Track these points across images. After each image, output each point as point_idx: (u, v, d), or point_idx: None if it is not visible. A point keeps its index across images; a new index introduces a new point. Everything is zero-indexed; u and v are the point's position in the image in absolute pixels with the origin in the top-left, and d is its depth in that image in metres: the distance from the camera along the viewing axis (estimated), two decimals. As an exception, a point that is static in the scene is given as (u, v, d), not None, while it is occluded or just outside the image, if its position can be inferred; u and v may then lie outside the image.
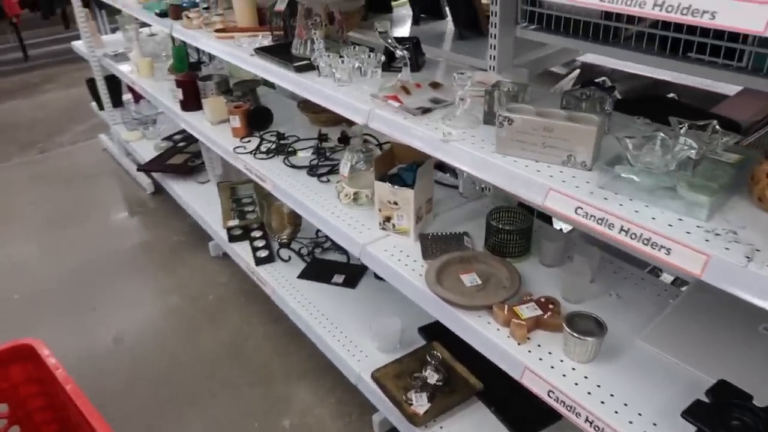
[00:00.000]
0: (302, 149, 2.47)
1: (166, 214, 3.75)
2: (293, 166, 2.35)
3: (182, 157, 3.62)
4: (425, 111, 1.57)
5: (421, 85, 1.74)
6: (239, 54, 2.27)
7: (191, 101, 2.99)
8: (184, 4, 3.07)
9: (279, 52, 2.17)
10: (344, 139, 2.43)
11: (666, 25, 1.48)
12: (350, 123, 2.68)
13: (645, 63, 1.57)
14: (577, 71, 2.34)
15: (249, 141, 2.63)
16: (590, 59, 2.30)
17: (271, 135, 2.67)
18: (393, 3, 2.74)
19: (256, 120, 2.65)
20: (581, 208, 1.15)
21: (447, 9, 2.51)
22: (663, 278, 2.27)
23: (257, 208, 3.04)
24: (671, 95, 2.07)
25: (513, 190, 1.29)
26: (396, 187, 1.77)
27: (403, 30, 2.55)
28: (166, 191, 3.64)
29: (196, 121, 2.91)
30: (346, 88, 1.83)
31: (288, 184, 2.23)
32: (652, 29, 1.51)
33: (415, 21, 2.50)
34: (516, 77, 1.57)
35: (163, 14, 2.94)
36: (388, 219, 1.84)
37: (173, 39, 3.68)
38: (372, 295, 2.44)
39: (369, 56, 1.91)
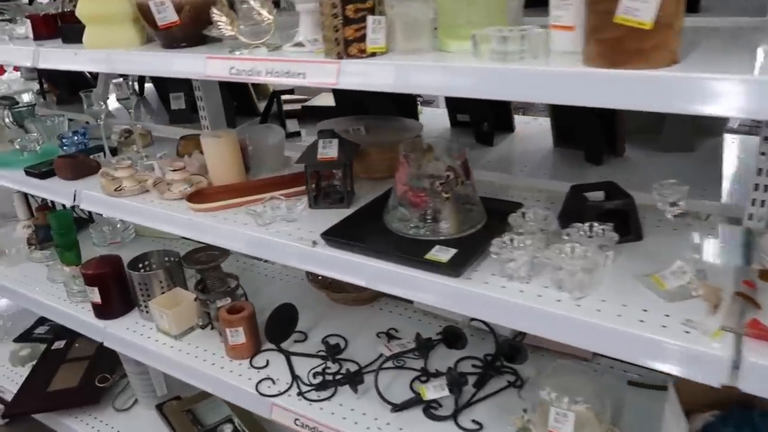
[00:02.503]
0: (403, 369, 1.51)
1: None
2: (397, 407, 1.40)
3: (75, 370, 2.31)
4: None
5: (754, 285, 1.00)
6: (281, 245, 1.29)
7: (118, 303, 1.84)
8: (65, 148, 1.95)
9: (368, 234, 1.26)
10: (454, 339, 1.54)
11: None
12: (396, 298, 1.80)
13: None
14: None
15: (266, 364, 1.60)
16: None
17: (295, 341, 1.67)
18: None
19: (277, 329, 1.64)
20: None
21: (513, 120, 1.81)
22: None
23: (252, 441, 1.95)
24: None
25: None
26: (735, 465, 0.99)
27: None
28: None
29: (134, 335, 1.77)
30: (590, 302, 1.01)
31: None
32: None
33: (484, 138, 1.75)
34: None
35: (45, 173, 1.77)
36: None
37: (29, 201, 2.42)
38: None
39: (589, 233, 1.11)
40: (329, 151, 1.39)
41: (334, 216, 1.38)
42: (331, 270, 1.24)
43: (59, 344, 2.49)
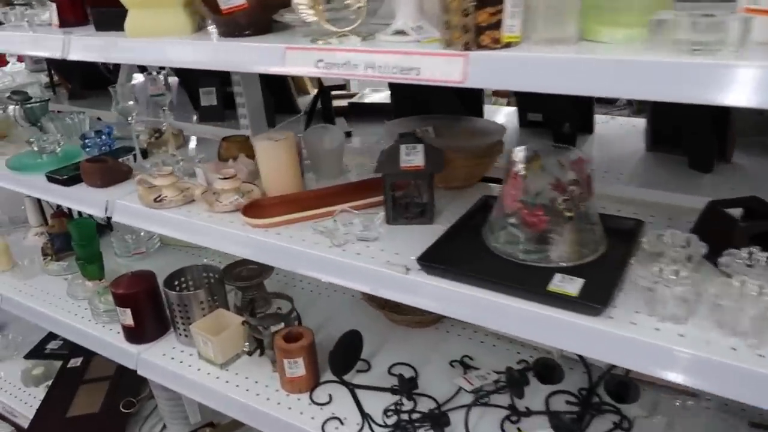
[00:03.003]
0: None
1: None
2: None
3: (95, 392, 2.11)
4: None
5: None
6: (364, 270, 1.10)
7: (152, 326, 1.64)
8: (87, 150, 1.74)
9: (469, 258, 1.06)
10: (548, 373, 1.35)
11: None
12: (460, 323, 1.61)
13: None
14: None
15: (329, 400, 1.40)
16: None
17: (357, 371, 1.48)
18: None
19: (342, 359, 1.44)
20: None
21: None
22: None
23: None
24: None
25: None
26: None
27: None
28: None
29: (172, 363, 1.57)
30: (773, 351, 0.82)
31: None
32: None
33: (565, 140, 1.55)
34: None
35: (70, 180, 1.56)
36: None
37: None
38: None
39: (748, 261, 0.92)
40: (414, 158, 1.19)
41: (416, 233, 1.19)
42: (429, 301, 1.05)
43: (75, 362, 2.29)
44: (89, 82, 2.45)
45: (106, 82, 2.47)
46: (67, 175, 1.57)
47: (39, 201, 2.22)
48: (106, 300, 1.76)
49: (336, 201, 1.33)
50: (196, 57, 1.07)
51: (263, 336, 1.46)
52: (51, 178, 1.58)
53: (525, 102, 1.69)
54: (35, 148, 1.69)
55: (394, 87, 1.76)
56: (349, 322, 1.67)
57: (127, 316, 1.60)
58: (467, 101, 1.68)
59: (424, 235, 1.18)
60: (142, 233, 2.10)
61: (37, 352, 2.43)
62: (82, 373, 2.22)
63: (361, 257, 1.13)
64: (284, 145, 1.36)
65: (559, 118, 1.60)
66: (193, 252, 2.10)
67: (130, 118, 1.59)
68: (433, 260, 1.06)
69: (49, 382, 2.22)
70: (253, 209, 1.32)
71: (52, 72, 2.59)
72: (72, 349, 2.34)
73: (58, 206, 2.21)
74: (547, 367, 1.34)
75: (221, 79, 2.00)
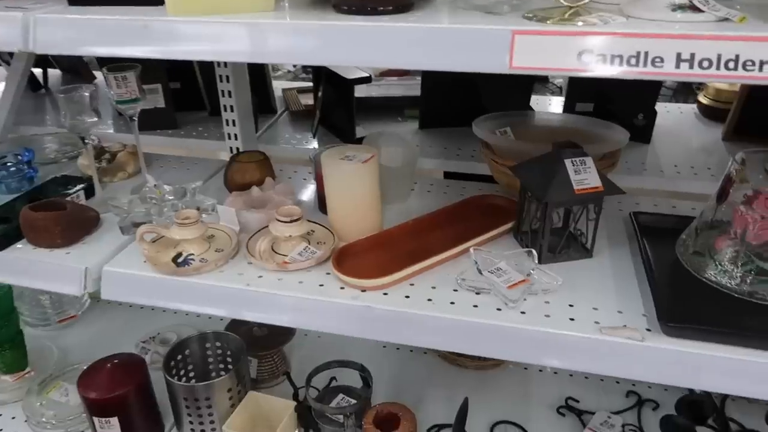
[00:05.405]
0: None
1: None
2: None
3: None
4: None
5: None
6: (576, 342, 0.79)
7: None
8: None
9: (715, 309, 0.81)
10: (697, 413, 1.14)
11: None
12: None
13: None
14: None
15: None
16: None
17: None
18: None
19: (460, 440, 1.10)
20: None
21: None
22: None
23: None
24: None
25: None
26: None
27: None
28: None
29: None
30: None
31: None
32: None
33: (638, 134, 1.35)
34: None
35: (2, 238, 0.99)
36: None
37: None
38: None
39: None
40: (587, 177, 0.90)
41: (582, 274, 0.92)
42: (676, 373, 0.78)
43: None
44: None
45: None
46: (-8, 234, 1.00)
47: None
48: (52, 402, 1.21)
49: (442, 238, 0.99)
50: (336, 49, 0.65)
51: (345, 426, 1.07)
52: None
53: (576, 89, 1.46)
54: None
55: (426, 76, 1.42)
56: (401, 374, 1.34)
57: (112, 428, 1.09)
58: (515, 92, 1.41)
59: (594, 276, 0.92)
60: (63, 290, 1.51)
61: None
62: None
63: (552, 321, 0.81)
64: (371, 168, 0.97)
65: (620, 108, 1.40)
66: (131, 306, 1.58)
67: (87, 139, 1.05)
68: (676, 317, 0.79)
69: None
70: (344, 262, 0.92)
71: None
72: None
73: None
74: (696, 405, 1.15)
75: (168, 74, 1.48)
